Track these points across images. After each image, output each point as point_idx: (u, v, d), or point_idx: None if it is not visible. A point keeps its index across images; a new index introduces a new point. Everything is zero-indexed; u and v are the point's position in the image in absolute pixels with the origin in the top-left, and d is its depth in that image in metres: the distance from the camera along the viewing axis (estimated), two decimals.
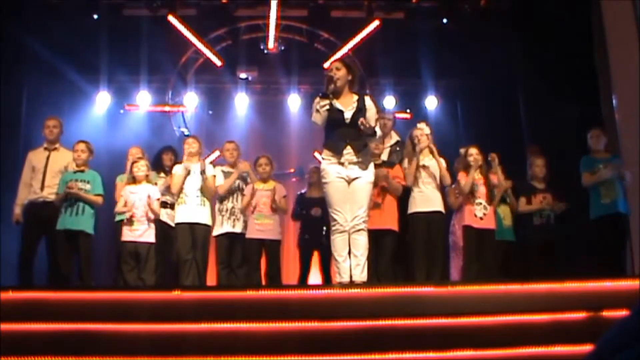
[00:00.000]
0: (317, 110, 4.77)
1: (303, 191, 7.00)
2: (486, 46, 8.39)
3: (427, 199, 5.73)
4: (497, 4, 8.62)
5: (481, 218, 5.75)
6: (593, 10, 7.17)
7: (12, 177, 6.41)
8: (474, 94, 9.16)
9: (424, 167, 5.79)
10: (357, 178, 4.73)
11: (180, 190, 5.97)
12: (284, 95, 9.66)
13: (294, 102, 9.55)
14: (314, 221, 6.49)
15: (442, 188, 5.85)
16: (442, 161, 5.85)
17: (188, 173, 5.95)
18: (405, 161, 5.95)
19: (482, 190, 5.82)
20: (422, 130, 5.96)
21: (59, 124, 6.25)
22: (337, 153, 4.74)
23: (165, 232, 6.06)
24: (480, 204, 5.78)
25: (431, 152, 5.87)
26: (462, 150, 6.02)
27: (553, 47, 7.64)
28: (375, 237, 5.38)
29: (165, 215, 6.13)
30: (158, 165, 6.49)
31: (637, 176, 5.96)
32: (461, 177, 5.86)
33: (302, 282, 6.32)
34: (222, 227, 6.07)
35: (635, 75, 6.35)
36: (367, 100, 4.89)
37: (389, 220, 5.68)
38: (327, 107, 4.73)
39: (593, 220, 5.86)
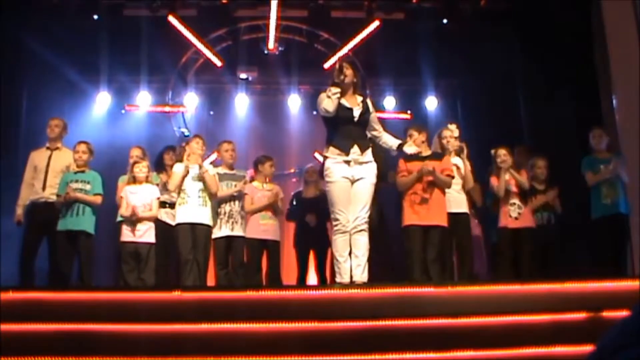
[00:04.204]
0: (329, 97, 4.67)
1: (299, 190, 6.98)
2: (486, 46, 8.38)
3: (452, 199, 5.68)
4: (497, 4, 8.61)
5: (516, 218, 5.78)
6: (593, 10, 7.16)
7: (12, 177, 6.40)
8: (474, 94, 9.15)
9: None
10: (360, 179, 4.72)
11: (179, 188, 5.89)
12: (284, 96, 9.65)
13: (294, 102, 9.53)
14: (308, 223, 6.50)
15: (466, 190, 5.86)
16: (468, 164, 5.86)
17: (187, 173, 5.91)
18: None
19: (513, 190, 5.84)
20: (452, 132, 5.93)
21: (61, 123, 6.27)
22: (344, 151, 4.71)
23: (165, 231, 6.04)
24: (514, 204, 5.80)
25: (459, 153, 5.87)
26: (492, 152, 5.98)
27: (553, 47, 7.63)
28: (423, 232, 5.28)
29: (164, 214, 6.11)
30: (159, 165, 6.48)
31: (637, 176, 5.95)
32: (493, 180, 5.90)
33: (301, 283, 6.32)
34: (221, 230, 6.04)
35: (635, 75, 6.34)
36: (369, 103, 4.94)
37: (437, 216, 5.38)
38: (338, 95, 4.67)
39: (594, 220, 5.86)
